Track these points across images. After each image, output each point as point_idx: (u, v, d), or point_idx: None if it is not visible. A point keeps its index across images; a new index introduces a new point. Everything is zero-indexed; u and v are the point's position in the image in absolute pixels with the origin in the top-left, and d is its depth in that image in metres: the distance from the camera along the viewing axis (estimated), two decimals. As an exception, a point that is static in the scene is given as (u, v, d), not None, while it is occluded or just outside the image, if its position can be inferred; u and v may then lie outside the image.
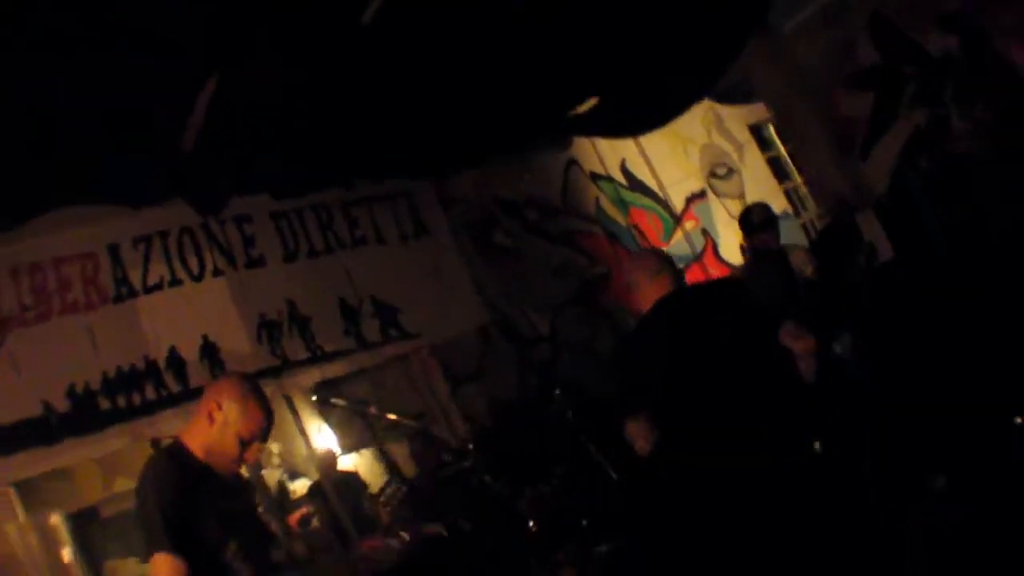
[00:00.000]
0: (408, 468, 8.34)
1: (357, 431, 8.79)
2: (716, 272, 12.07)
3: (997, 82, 8.96)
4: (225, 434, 4.18)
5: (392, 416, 5.95)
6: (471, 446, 7.27)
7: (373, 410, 5.61)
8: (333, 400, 6.45)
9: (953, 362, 6.84)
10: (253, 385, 4.47)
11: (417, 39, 6.98)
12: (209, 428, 4.20)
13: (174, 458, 4.19)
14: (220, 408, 4.20)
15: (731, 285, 7.00)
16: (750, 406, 4.90)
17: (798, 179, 13.36)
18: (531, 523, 6.73)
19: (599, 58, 8.94)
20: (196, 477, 4.14)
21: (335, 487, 7.92)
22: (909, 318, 7.51)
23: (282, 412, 8.38)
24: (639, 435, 5.03)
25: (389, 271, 9.25)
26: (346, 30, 6.48)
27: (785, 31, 10.58)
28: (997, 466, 5.77)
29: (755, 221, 8.32)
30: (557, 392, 8.20)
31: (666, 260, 5.75)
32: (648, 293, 5.34)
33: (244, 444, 4.25)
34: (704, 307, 5.42)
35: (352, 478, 8.39)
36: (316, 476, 8.18)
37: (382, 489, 7.50)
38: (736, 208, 12.00)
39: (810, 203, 13.12)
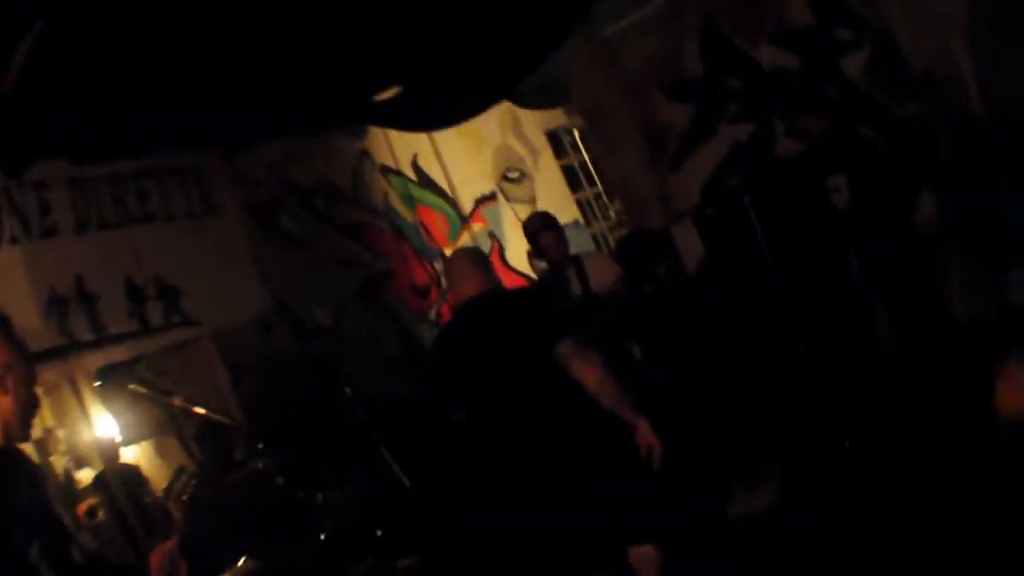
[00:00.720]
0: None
1: (140, 421, 8.62)
2: (502, 275, 12.32)
3: (833, 100, 9.11)
4: (21, 395, 3.74)
5: (200, 410, 5.84)
6: (261, 445, 7.09)
7: (177, 401, 5.47)
8: (132, 387, 6.27)
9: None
10: (17, 335, 4.14)
11: (221, 5, 6.99)
12: (2, 398, 3.67)
13: None
14: (11, 370, 3.72)
15: (530, 295, 7.35)
16: (529, 435, 5.24)
17: (592, 190, 13.76)
18: (322, 534, 6.71)
19: (404, 45, 8.98)
20: None
21: (118, 479, 7.79)
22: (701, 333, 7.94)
23: (67, 397, 8.19)
24: None
25: (175, 251, 9.09)
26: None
27: (608, 35, 10.70)
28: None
29: (530, 229, 8.43)
30: (348, 390, 8.28)
31: (480, 260, 5.95)
32: (460, 290, 5.60)
33: (33, 397, 3.86)
34: (501, 315, 5.61)
35: (132, 470, 8.25)
36: (100, 466, 8.02)
37: (171, 483, 7.42)
38: (526, 213, 12.28)
39: (601, 214, 13.56)
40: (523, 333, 5.33)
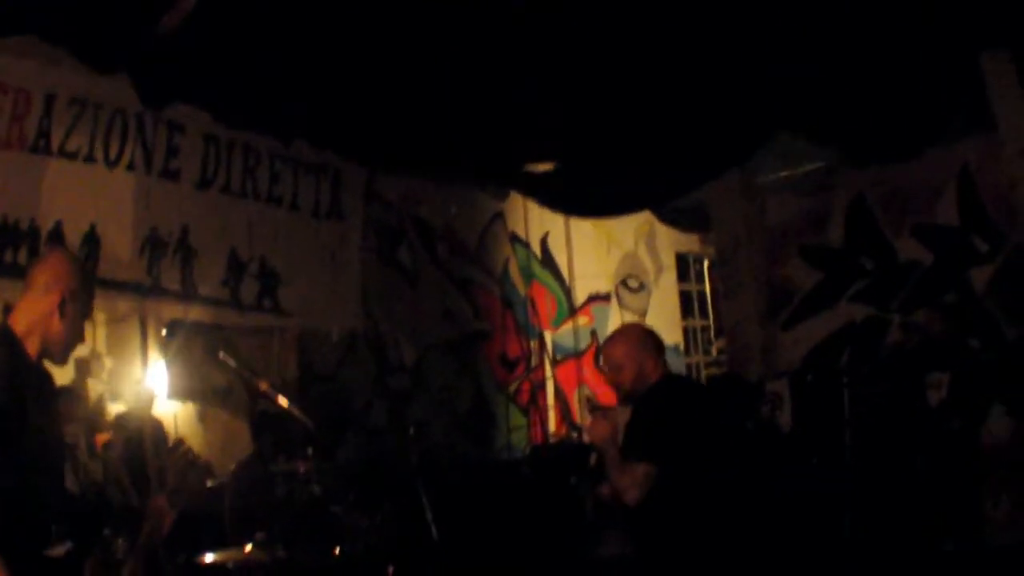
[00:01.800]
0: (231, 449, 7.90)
1: (192, 384, 8.27)
2: (589, 376, 11.96)
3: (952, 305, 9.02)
4: (77, 324, 3.74)
5: (283, 401, 5.47)
6: (310, 451, 6.80)
7: (264, 386, 5.12)
8: (222, 355, 5.95)
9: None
10: (83, 262, 3.99)
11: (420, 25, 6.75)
12: (58, 321, 3.67)
13: (7, 342, 3.61)
14: (73, 298, 3.69)
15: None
16: None
17: (701, 321, 13.37)
18: (336, 550, 6.32)
19: (575, 127, 8.77)
20: (25, 373, 3.59)
21: (141, 426, 7.40)
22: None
23: (130, 333, 7.88)
24: (634, 482, 4.83)
25: (289, 239, 8.80)
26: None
27: (761, 183, 10.58)
28: None
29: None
30: (412, 431, 7.94)
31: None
32: (651, 368, 5.21)
33: (83, 325, 3.79)
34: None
35: (157, 425, 7.84)
36: (132, 407, 7.67)
37: (173, 447, 7.05)
38: (634, 322, 11.93)
39: (702, 347, 13.18)
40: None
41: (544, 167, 9.94)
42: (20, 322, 3.67)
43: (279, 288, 8.66)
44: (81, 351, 7.74)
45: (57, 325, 3.66)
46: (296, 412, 6.07)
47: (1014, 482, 7.83)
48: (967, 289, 8.92)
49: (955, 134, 9.01)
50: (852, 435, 7.87)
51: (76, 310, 3.71)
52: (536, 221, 11.88)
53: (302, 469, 6.47)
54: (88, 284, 3.81)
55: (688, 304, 13.58)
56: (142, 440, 7.23)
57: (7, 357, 3.53)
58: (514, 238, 11.71)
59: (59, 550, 3.62)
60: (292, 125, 8.62)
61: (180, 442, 6.01)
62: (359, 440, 9.38)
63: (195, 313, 7.88)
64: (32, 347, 3.64)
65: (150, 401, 7.83)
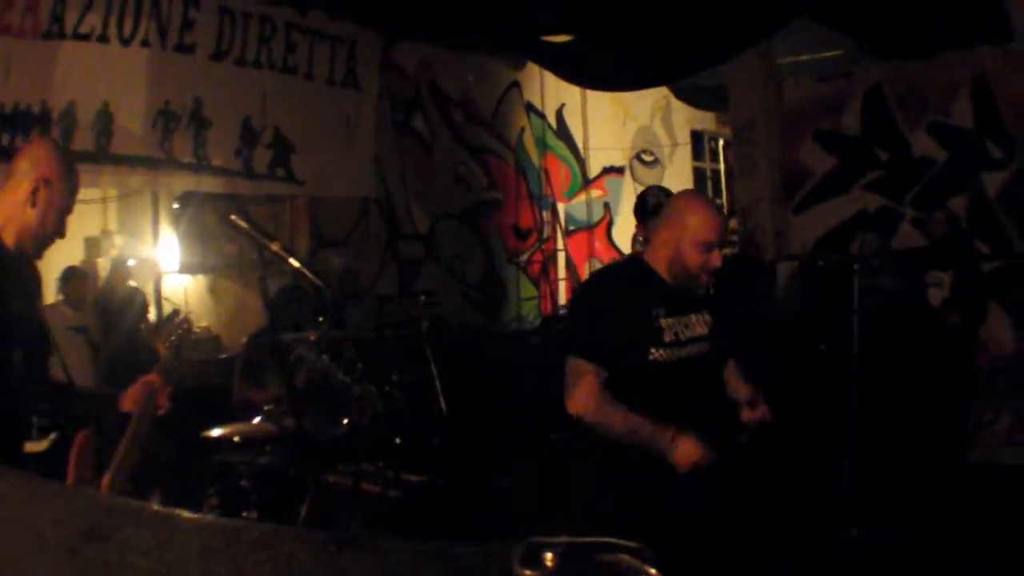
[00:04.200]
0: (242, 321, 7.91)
1: (204, 254, 8.27)
2: (601, 249, 11.91)
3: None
4: (49, 214, 3.45)
5: (295, 263, 5.41)
6: (321, 319, 6.77)
7: (275, 247, 5.08)
8: (233, 217, 5.90)
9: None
10: (66, 152, 3.74)
11: None
12: (30, 210, 3.42)
13: None
14: (48, 185, 3.43)
15: None
16: None
17: (716, 199, 13.26)
18: (345, 420, 6.35)
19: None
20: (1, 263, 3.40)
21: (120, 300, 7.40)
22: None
23: (142, 207, 7.85)
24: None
25: (303, 109, 8.68)
26: None
27: (782, 64, 10.39)
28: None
29: (651, 203, 7.90)
30: (422, 298, 7.89)
31: None
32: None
33: (62, 219, 3.51)
34: None
35: (139, 297, 7.83)
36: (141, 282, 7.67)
37: (164, 321, 7.06)
38: (646, 200, 11.86)
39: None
40: None
41: (562, 38, 9.73)
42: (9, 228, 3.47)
43: (292, 157, 8.57)
44: (91, 230, 7.77)
45: (29, 213, 3.43)
46: (308, 273, 6.03)
47: (1016, 396, 7.78)
48: (979, 192, 8.86)
49: (972, 39, 8.86)
50: (860, 324, 7.61)
51: (50, 199, 3.46)
52: (552, 92, 11.72)
53: (312, 338, 6.31)
54: (69, 176, 3.54)
55: (702, 182, 13.49)
56: (125, 314, 7.22)
57: None
58: (530, 108, 11.56)
59: (42, 443, 3.54)
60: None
61: (175, 313, 5.97)
62: (369, 308, 9.36)
63: (208, 184, 7.83)
64: (8, 236, 3.45)
65: (157, 277, 7.82)
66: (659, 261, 3.85)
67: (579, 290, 4.21)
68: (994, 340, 8.26)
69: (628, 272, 4.05)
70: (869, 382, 7.20)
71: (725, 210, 13.03)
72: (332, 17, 8.89)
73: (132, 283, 7.72)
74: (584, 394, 3.70)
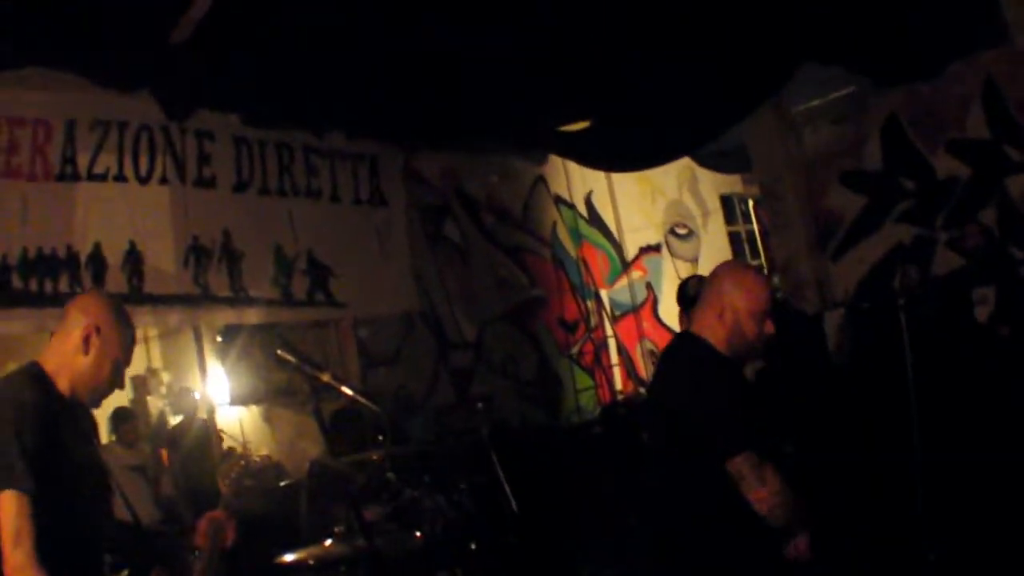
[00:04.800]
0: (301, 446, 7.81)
1: (254, 385, 8.19)
2: (650, 329, 11.76)
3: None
4: (103, 363, 3.51)
5: (348, 391, 5.31)
6: (381, 437, 6.62)
7: (326, 377, 4.96)
8: (279, 352, 5.83)
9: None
10: (119, 304, 3.77)
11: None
12: (82, 358, 3.49)
13: (38, 382, 3.44)
14: (99, 333, 3.49)
15: None
16: None
17: (755, 261, 13.13)
18: (418, 533, 6.19)
19: (604, 83, 8.52)
20: (59, 410, 3.43)
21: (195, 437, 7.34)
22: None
23: (185, 344, 7.79)
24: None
25: (334, 231, 8.68)
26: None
27: (795, 114, 10.32)
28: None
29: (690, 294, 7.83)
30: (479, 405, 7.83)
31: None
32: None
33: (117, 370, 3.57)
34: None
35: (211, 436, 7.78)
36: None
37: (222, 461, 6.98)
38: (687, 271, 11.73)
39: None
40: None
41: (579, 126, 9.66)
42: (50, 360, 3.53)
43: (330, 280, 8.54)
44: (137, 368, 7.70)
45: (81, 361, 3.50)
46: (362, 399, 5.92)
47: None
48: (1006, 199, 8.74)
49: (976, 47, 8.83)
50: (912, 357, 7.45)
51: (102, 348, 3.53)
52: (578, 181, 11.71)
53: (374, 457, 6.33)
54: (123, 325, 3.62)
55: (738, 245, 13.39)
56: (199, 453, 7.17)
57: (35, 397, 3.36)
58: (559, 200, 11.54)
59: None
60: (323, 116, 8.48)
61: (231, 451, 5.89)
62: (427, 421, 9.24)
63: (248, 316, 7.80)
64: (63, 385, 3.49)
65: (211, 411, 7.75)
66: (717, 336, 3.82)
67: (699, 377, 3.90)
68: None
69: (713, 355, 3.88)
70: (932, 411, 7.08)
71: (765, 269, 12.92)
72: (349, 136, 8.91)
73: (201, 415, 7.72)
74: (774, 482, 3.62)
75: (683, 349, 4.09)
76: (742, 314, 3.76)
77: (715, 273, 4.04)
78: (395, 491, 6.25)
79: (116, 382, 3.59)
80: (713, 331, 3.81)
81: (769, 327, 3.79)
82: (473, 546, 6.22)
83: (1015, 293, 8.27)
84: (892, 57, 8.90)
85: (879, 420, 7.47)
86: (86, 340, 3.48)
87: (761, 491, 3.60)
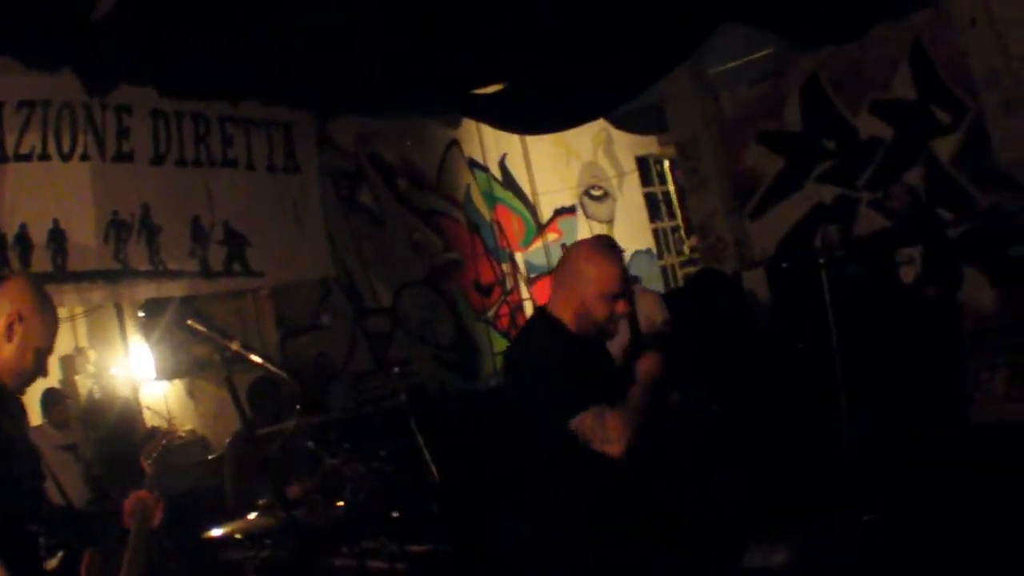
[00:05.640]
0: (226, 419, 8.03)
1: (177, 359, 8.37)
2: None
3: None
4: (26, 351, 3.52)
5: (257, 359, 5.54)
6: (299, 406, 6.70)
7: (235, 346, 5.18)
8: (190, 322, 6.03)
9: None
10: (43, 290, 3.77)
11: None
12: (5, 345, 3.50)
13: None
14: (22, 321, 3.51)
15: None
16: None
17: (670, 222, 13.48)
18: (341, 502, 6.42)
19: (517, 45, 8.69)
20: None
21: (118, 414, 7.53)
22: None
23: (108, 321, 7.98)
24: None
25: (250, 200, 8.89)
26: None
27: (712, 75, 10.52)
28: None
29: None
30: (396, 370, 8.05)
31: None
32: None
33: (40, 358, 3.61)
34: None
35: (126, 406, 7.95)
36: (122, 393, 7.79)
37: (145, 440, 7.18)
38: (603, 232, 12.06)
39: (675, 248, 13.29)
40: None
41: (493, 88, 9.83)
42: None
43: (247, 250, 8.75)
44: (65, 348, 7.89)
45: (4, 350, 3.52)
46: (272, 368, 6.10)
47: (1007, 351, 7.94)
48: (933, 161, 8.98)
49: (903, 8, 9.03)
50: (834, 317, 7.62)
51: (25, 335, 3.55)
52: (492, 144, 11.94)
53: (292, 427, 6.49)
54: (45, 312, 3.65)
55: (655, 207, 13.69)
56: (123, 431, 7.33)
57: None
58: (472, 164, 11.76)
59: (52, 562, 3.66)
60: (239, 84, 8.59)
61: (153, 430, 6.07)
62: (347, 388, 9.49)
63: (167, 289, 7.98)
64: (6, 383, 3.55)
65: (135, 388, 7.92)
66: (566, 315, 3.92)
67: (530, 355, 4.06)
68: (975, 303, 8.40)
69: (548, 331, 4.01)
70: (856, 370, 7.35)
71: (682, 229, 13.30)
72: (264, 103, 9.07)
73: (119, 394, 7.88)
74: (618, 427, 3.72)
75: (532, 324, 4.38)
76: (590, 295, 3.85)
77: (569, 250, 4.11)
78: (315, 461, 6.49)
79: (40, 370, 3.63)
80: (562, 309, 3.92)
81: (620, 307, 3.87)
82: (395, 514, 6.41)
83: (942, 254, 8.57)
84: (815, 19, 9.00)
85: (804, 378, 7.79)
86: (9, 328, 3.50)
87: (609, 445, 3.73)
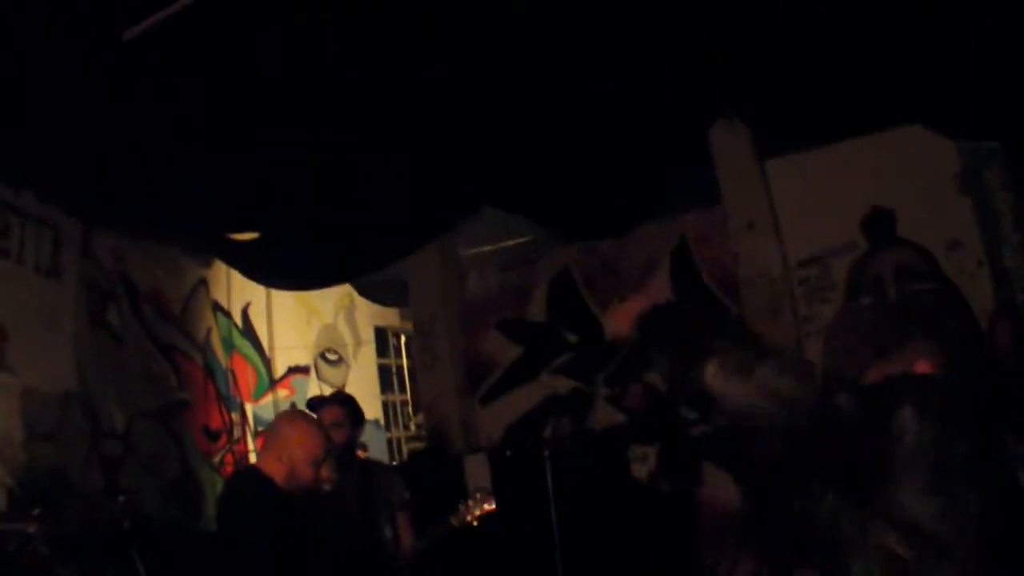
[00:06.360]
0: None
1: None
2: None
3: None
4: None
5: None
6: (37, 511, 6.97)
7: None
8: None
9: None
10: None
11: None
12: None
13: None
14: None
15: None
16: None
17: (400, 396, 13.84)
18: None
19: (275, 196, 9.12)
20: None
21: None
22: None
23: None
24: None
25: (14, 294, 8.84)
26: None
27: (464, 256, 11.08)
28: None
29: (312, 403, 7.66)
30: (121, 498, 8.10)
31: None
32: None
33: None
34: None
35: None
36: None
37: None
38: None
39: (402, 422, 13.63)
40: None
41: (246, 236, 10.19)
42: None
43: (4, 344, 8.59)
44: None
45: None
46: None
47: (752, 542, 8.29)
48: (675, 348, 9.45)
49: (675, 208, 9.57)
50: (557, 509, 8.08)
51: None
52: (238, 291, 12.10)
53: (31, 529, 6.66)
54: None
55: (387, 378, 14.09)
56: None
57: None
58: (216, 307, 11.87)
59: None
60: (22, 172, 8.61)
61: None
62: (79, 504, 9.29)
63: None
64: None
65: None
66: (276, 474, 4.73)
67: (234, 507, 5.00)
68: (718, 499, 8.52)
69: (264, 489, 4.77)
70: (579, 563, 7.76)
71: (410, 405, 13.71)
72: (41, 200, 9.08)
73: None
74: None
75: (240, 479, 5.26)
76: (297, 461, 4.69)
77: (276, 419, 5.20)
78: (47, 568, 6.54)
79: None
80: (273, 469, 4.71)
81: (324, 472, 4.75)
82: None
83: (681, 452, 8.75)
84: (578, 213, 9.49)
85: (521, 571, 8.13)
86: None
87: None
